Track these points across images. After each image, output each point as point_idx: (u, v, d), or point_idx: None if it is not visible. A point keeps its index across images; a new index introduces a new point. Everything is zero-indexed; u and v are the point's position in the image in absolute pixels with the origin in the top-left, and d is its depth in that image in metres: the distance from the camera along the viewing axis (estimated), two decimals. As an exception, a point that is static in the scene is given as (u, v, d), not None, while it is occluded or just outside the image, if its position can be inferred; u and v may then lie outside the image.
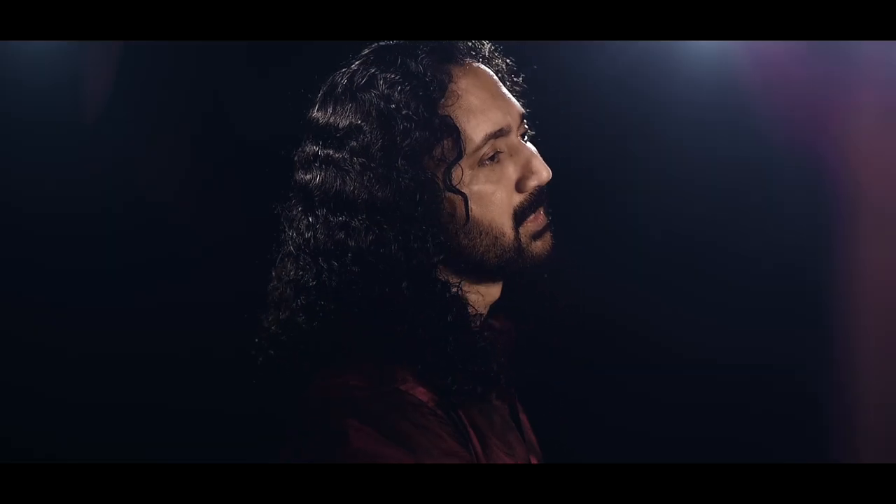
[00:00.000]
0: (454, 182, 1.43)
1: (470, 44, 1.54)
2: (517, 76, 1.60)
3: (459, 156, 1.43)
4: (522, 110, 1.52)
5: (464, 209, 1.45)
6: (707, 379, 2.58)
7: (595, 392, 2.56)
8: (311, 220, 1.48)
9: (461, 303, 1.47)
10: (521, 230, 1.47)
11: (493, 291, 1.55)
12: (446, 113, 1.44)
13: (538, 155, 1.50)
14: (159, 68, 2.57)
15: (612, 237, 2.21)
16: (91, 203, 2.55)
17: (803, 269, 2.58)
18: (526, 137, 1.54)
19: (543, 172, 1.47)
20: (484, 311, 1.53)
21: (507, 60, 1.59)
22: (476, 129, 1.45)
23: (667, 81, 2.61)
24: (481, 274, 1.50)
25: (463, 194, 1.44)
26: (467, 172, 1.44)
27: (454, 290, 1.47)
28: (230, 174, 2.69)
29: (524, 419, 1.64)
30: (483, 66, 1.52)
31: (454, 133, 1.43)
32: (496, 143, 1.46)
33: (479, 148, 1.45)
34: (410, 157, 1.42)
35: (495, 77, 1.52)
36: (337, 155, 1.46)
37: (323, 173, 1.47)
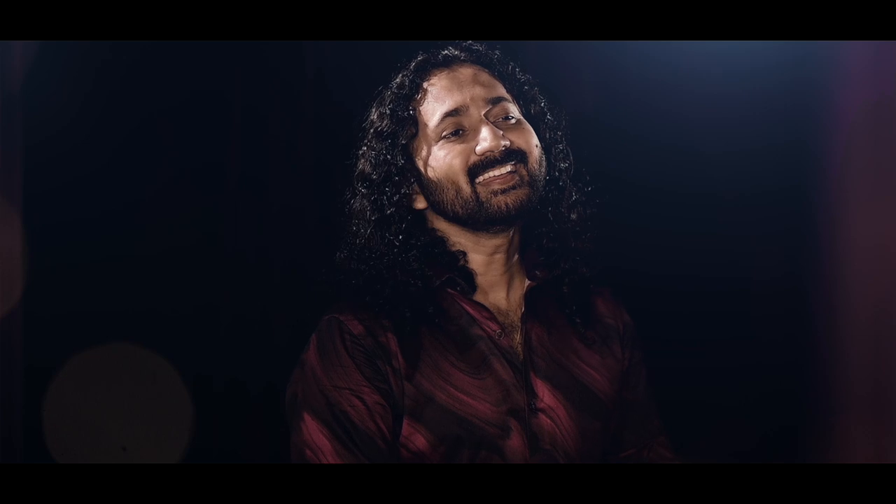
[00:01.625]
0: (414, 154, 1.83)
1: (462, 47, 1.89)
2: (503, 65, 1.89)
3: (416, 134, 1.83)
4: (494, 94, 1.83)
5: (422, 172, 1.82)
6: (698, 379, 2.60)
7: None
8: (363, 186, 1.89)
9: (437, 244, 1.84)
10: (479, 187, 1.78)
11: (488, 243, 1.83)
12: (413, 107, 1.83)
13: (493, 127, 1.78)
14: (143, 68, 2.58)
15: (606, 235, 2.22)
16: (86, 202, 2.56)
17: (793, 267, 2.59)
18: (507, 114, 1.83)
19: (488, 141, 1.77)
20: (486, 258, 1.84)
21: (497, 51, 1.90)
22: (434, 112, 1.82)
23: (659, 81, 2.62)
24: (463, 223, 1.82)
25: (415, 165, 1.83)
26: (428, 147, 1.82)
27: (427, 236, 1.84)
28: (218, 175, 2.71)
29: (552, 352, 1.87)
30: (469, 66, 1.86)
31: (414, 120, 1.83)
32: (456, 121, 1.81)
33: (437, 125, 1.81)
34: (384, 140, 1.83)
35: (476, 71, 1.85)
36: (362, 143, 1.90)
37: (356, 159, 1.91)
